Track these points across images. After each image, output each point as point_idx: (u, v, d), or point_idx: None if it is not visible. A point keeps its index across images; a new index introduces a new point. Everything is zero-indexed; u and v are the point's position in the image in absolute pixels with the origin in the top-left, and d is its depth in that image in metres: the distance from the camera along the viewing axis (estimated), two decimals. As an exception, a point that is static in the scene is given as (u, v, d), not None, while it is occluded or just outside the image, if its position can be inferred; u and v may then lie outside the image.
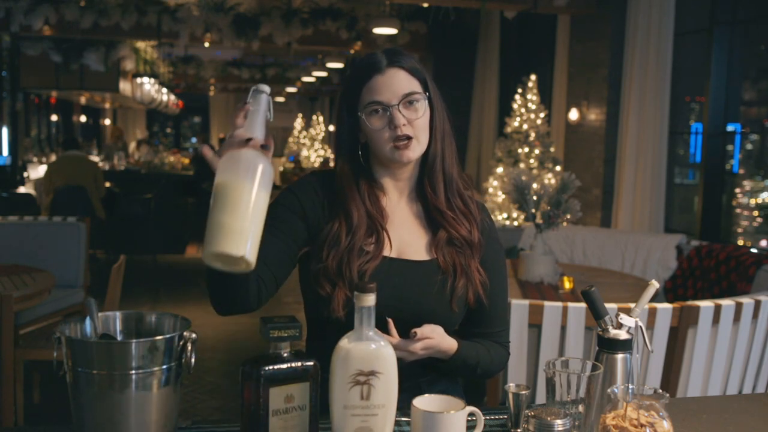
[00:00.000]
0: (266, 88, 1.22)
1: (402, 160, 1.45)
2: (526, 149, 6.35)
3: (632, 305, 1.34)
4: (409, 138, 1.44)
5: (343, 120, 1.50)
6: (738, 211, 5.44)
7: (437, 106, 1.50)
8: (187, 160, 12.88)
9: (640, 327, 1.31)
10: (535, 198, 3.60)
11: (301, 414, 1.14)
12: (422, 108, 1.46)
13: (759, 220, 5.42)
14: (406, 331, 1.42)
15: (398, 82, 1.44)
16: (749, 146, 5.71)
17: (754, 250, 4.15)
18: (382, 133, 1.44)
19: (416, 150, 1.46)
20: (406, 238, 1.51)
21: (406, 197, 1.54)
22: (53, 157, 10.60)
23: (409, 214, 1.54)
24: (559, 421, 1.14)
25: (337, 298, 1.41)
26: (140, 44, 10.67)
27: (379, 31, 7.28)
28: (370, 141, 1.48)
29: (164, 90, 11.90)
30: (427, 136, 1.48)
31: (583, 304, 2.45)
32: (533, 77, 6.49)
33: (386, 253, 1.47)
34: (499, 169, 6.48)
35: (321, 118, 16.88)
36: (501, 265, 1.58)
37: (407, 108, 1.44)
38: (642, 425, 1.09)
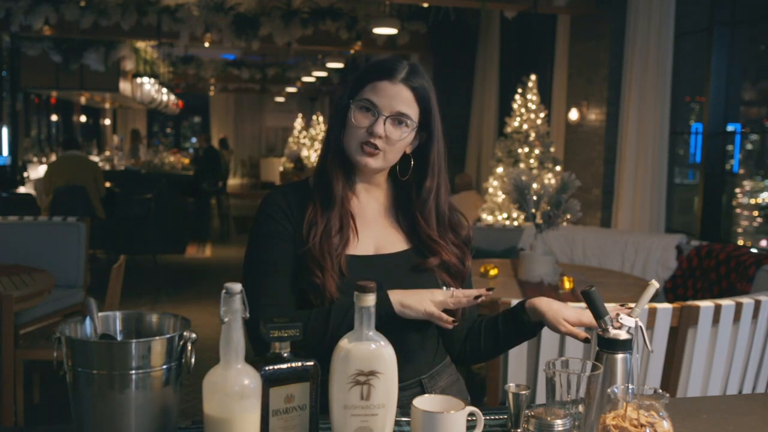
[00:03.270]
0: (237, 287, 1.07)
1: (360, 163, 1.47)
2: (526, 149, 6.35)
3: (632, 305, 1.34)
4: (377, 149, 1.45)
5: (342, 102, 1.50)
6: (738, 211, 5.44)
7: (437, 138, 1.51)
8: (187, 160, 12.88)
9: (640, 327, 1.31)
10: (535, 198, 3.60)
11: (301, 414, 1.14)
12: (406, 133, 1.46)
13: (759, 220, 5.42)
14: (400, 325, 1.42)
15: (400, 98, 1.45)
16: (749, 146, 5.71)
17: (754, 250, 4.14)
18: (358, 132, 1.45)
19: (379, 162, 1.47)
20: (380, 233, 1.53)
21: (381, 200, 1.56)
22: (53, 157, 10.60)
23: (379, 211, 1.55)
24: (559, 421, 1.14)
25: (329, 282, 1.42)
26: (140, 44, 10.67)
27: (379, 31, 7.28)
28: (345, 132, 1.48)
29: (164, 90, 11.90)
30: (397, 157, 1.49)
31: (583, 304, 2.44)
32: (533, 77, 6.48)
33: (364, 251, 1.49)
34: (499, 169, 6.48)
35: (321, 118, 16.87)
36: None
37: (393, 125, 1.45)
38: (642, 425, 1.09)
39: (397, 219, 1.56)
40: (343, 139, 1.49)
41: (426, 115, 1.48)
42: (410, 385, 1.48)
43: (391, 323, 1.36)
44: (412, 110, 1.46)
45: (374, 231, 1.52)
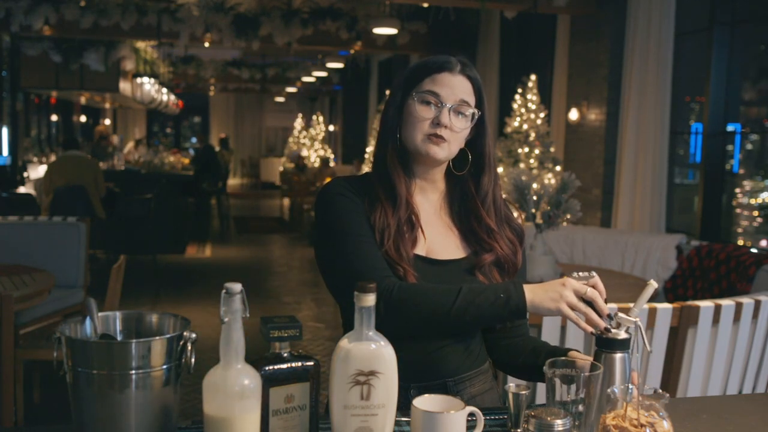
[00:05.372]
0: (237, 287, 1.07)
1: (429, 153, 1.45)
2: (526, 149, 6.35)
3: (632, 305, 1.34)
4: (443, 138, 1.45)
5: (396, 101, 1.49)
6: (738, 211, 5.44)
7: (489, 131, 1.52)
8: (187, 160, 12.88)
9: (639, 327, 1.31)
10: (535, 198, 3.60)
11: (301, 414, 1.14)
12: (468, 122, 1.47)
13: (759, 220, 5.42)
14: (440, 329, 1.41)
15: (462, 88, 1.46)
16: (749, 146, 5.71)
17: (754, 250, 4.15)
18: (423, 124, 1.45)
19: (445, 151, 1.46)
20: (435, 237, 1.50)
21: (434, 201, 1.54)
22: (53, 157, 10.59)
23: (432, 213, 1.54)
24: (559, 421, 1.14)
25: (408, 279, 1.40)
26: (140, 44, 10.67)
27: (379, 31, 7.29)
28: (405, 126, 1.47)
29: (164, 90, 11.90)
30: (459, 147, 1.49)
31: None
32: (533, 77, 6.48)
33: (418, 251, 1.47)
34: (499, 169, 6.46)
35: (321, 118, 16.86)
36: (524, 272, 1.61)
37: (456, 115, 1.46)
38: (642, 425, 1.09)
39: (451, 218, 1.54)
40: (402, 134, 1.48)
41: (480, 105, 1.49)
42: (434, 386, 1.44)
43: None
44: (471, 98, 1.48)
45: (426, 234, 1.49)
